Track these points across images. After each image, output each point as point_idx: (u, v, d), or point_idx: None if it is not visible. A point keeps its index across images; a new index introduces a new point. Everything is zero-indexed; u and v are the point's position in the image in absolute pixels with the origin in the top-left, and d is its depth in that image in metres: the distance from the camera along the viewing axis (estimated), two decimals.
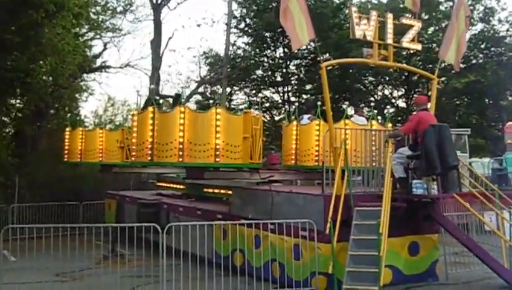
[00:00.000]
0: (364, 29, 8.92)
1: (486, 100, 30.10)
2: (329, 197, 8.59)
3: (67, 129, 16.17)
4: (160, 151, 9.76)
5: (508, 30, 28.32)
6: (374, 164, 9.38)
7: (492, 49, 29.00)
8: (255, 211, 10.33)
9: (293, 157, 11.71)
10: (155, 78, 23.51)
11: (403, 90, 30.62)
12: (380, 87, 30.91)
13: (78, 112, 25.35)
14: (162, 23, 23.34)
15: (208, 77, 24.34)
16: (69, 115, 21.12)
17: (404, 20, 9.41)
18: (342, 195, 8.21)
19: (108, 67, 27.27)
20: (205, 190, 13.62)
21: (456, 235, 9.01)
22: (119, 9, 26.60)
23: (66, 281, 10.22)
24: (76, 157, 15.60)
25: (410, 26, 9.47)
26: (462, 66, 27.05)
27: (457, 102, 31.61)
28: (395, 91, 31.12)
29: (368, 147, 9.32)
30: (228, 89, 25.98)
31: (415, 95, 30.82)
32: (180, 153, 9.59)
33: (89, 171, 19.59)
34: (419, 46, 9.83)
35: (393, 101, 31.62)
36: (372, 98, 30.51)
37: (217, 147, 9.72)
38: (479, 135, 28.16)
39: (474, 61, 29.38)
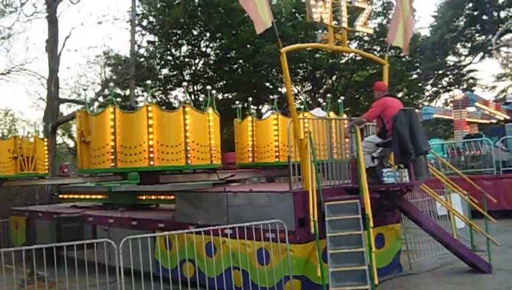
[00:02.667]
0: (321, 11, 8.37)
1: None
2: (299, 194, 7.93)
3: None
4: (124, 155, 9.06)
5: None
6: (335, 156, 8.86)
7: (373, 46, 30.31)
8: (207, 216, 9.40)
9: (250, 155, 10.92)
10: (53, 80, 21.39)
11: (310, 86, 31.00)
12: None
13: None
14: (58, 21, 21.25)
15: (114, 78, 22.64)
16: None
17: (357, 3, 8.98)
18: (313, 190, 7.54)
19: None
20: (142, 197, 12.36)
21: (423, 223, 8.75)
22: None
23: None
24: None
25: (362, 9, 9.09)
26: (360, 58, 27.95)
27: (357, 95, 32.70)
28: (297, 88, 31.35)
29: (330, 138, 8.78)
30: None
31: (320, 91, 31.41)
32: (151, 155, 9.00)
33: None
34: (371, 30, 9.52)
35: (300, 97, 31.85)
36: (275, 96, 30.39)
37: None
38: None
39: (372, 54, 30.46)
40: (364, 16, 9.08)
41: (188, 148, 9.24)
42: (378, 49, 29.38)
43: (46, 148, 14.49)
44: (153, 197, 12.22)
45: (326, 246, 7.58)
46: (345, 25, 8.82)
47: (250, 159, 11.17)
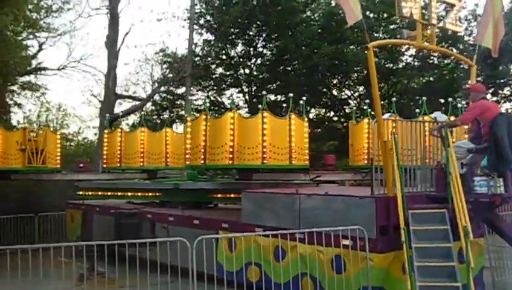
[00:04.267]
0: (411, 6, 7.84)
1: (442, 100, 30.24)
2: (381, 200, 7.42)
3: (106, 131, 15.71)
4: (212, 154, 10.74)
5: (466, 29, 28.49)
6: (427, 160, 8.29)
7: (449, 48, 29.14)
8: (276, 218, 8.98)
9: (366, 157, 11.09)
10: (111, 77, 21.53)
11: (363, 90, 30.16)
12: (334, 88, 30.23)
13: (9, 118, 22.85)
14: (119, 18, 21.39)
15: (171, 76, 22.61)
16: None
17: None
18: (402, 196, 7.02)
19: (44, 69, 25.02)
20: (217, 195, 12.61)
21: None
22: (55, 7, 24.62)
23: None
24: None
25: (452, 6, 8.50)
26: (418, 64, 27.00)
27: (411, 103, 31.62)
28: (350, 91, 30.56)
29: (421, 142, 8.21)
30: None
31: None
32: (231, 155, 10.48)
33: None
34: (460, 29, 8.94)
35: (349, 101, 31.05)
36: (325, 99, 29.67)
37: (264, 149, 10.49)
38: None
39: (431, 61, 29.43)
40: (454, 13, 8.50)
41: (265, 149, 10.41)
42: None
43: (58, 141, 14.52)
44: (228, 195, 12.48)
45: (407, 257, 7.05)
46: (434, 21, 8.25)
47: (365, 161, 10.95)
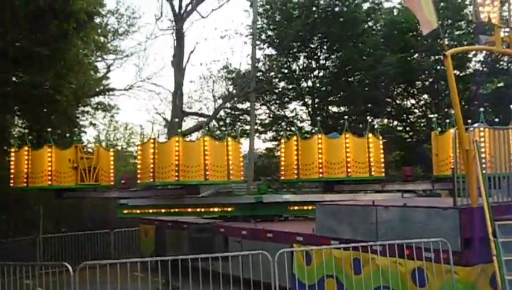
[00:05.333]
0: (488, 11, 7.63)
1: None
2: (466, 211, 7.20)
3: (12, 150, 14.25)
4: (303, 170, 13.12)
5: None
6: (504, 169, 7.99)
7: None
8: (353, 231, 8.88)
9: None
10: (178, 95, 22.10)
11: (429, 99, 29.42)
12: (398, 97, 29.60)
13: (80, 139, 23.77)
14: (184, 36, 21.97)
15: (235, 92, 22.94)
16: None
17: None
18: (488, 207, 6.78)
19: (113, 89, 26.02)
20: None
21: None
22: (121, 30, 25.72)
23: None
24: (22, 182, 13.58)
25: None
26: (487, 70, 26.04)
27: (480, 109, 30.43)
28: (414, 100, 29.83)
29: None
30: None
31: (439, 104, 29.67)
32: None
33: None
34: None
35: (415, 110, 30.30)
36: (389, 109, 29.07)
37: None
38: None
39: (500, 66, 28.33)
40: None
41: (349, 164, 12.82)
42: None
43: (111, 158, 14.27)
44: (295, 207, 12.92)
45: (494, 271, 6.79)
46: None
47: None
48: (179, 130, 14.55)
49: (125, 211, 13.89)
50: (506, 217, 7.14)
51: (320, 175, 12.83)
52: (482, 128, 8.53)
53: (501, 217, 7.14)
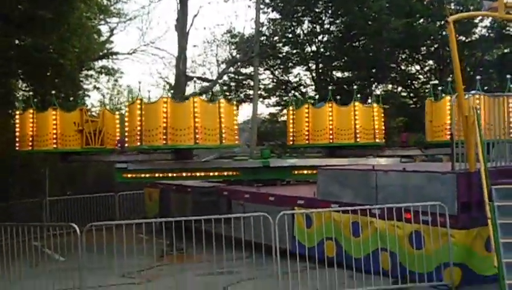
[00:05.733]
0: None
1: None
2: (463, 175, 7.33)
3: (17, 112, 14.04)
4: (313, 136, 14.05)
5: None
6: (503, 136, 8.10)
7: None
8: (353, 195, 9.06)
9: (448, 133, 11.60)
10: (182, 59, 22.04)
11: (434, 65, 29.21)
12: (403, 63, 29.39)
13: (84, 102, 23.72)
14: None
15: (239, 56, 22.86)
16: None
17: None
18: (485, 171, 6.91)
19: (116, 53, 25.88)
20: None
21: None
22: None
23: (142, 282, 8.98)
24: (27, 145, 13.41)
25: None
26: (493, 35, 25.79)
27: (484, 75, 30.27)
28: (419, 66, 29.63)
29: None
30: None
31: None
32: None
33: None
34: None
35: (420, 76, 30.13)
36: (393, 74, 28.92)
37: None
38: None
39: (506, 32, 28.00)
40: None
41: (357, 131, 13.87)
42: None
43: (117, 121, 14.02)
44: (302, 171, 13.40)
45: (489, 235, 6.96)
46: None
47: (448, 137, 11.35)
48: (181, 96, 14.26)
49: (125, 175, 13.12)
50: (503, 181, 7.27)
51: (330, 140, 13.79)
52: (477, 96, 8.58)
53: (498, 181, 7.27)
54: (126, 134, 12.92)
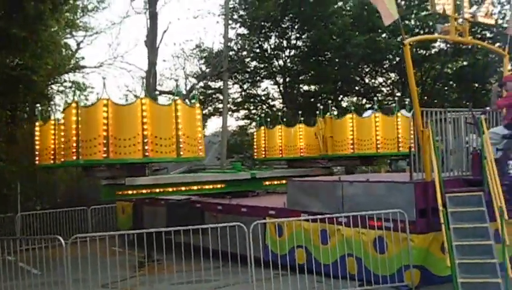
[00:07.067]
0: (443, 2, 8.34)
1: (476, 85, 30.12)
2: (420, 184, 7.99)
3: (37, 124, 12.97)
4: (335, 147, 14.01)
5: (499, 12, 28.27)
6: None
7: (482, 32, 29.01)
8: (321, 204, 9.63)
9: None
10: (152, 74, 22.37)
11: (397, 77, 30.30)
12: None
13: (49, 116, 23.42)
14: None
15: (208, 71, 23.37)
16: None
17: None
18: (439, 180, 7.57)
19: (83, 67, 25.89)
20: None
21: None
22: (90, 6, 25.57)
23: None
24: (49, 159, 12.52)
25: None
26: (451, 49, 26.99)
27: (445, 87, 31.56)
28: (382, 78, 30.68)
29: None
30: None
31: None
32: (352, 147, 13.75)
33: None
34: (493, 21, 9.34)
35: (382, 89, 31.14)
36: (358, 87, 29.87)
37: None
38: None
39: (464, 46, 29.28)
40: (486, 6, 8.92)
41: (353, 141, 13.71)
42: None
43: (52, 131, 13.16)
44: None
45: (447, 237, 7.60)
46: (467, 16, 8.71)
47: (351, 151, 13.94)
48: None
49: (121, 193, 12.02)
50: (456, 190, 7.94)
51: (352, 151, 13.81)
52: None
53: (451, 190, 7.95)
54: (62, 146, 11.07)
